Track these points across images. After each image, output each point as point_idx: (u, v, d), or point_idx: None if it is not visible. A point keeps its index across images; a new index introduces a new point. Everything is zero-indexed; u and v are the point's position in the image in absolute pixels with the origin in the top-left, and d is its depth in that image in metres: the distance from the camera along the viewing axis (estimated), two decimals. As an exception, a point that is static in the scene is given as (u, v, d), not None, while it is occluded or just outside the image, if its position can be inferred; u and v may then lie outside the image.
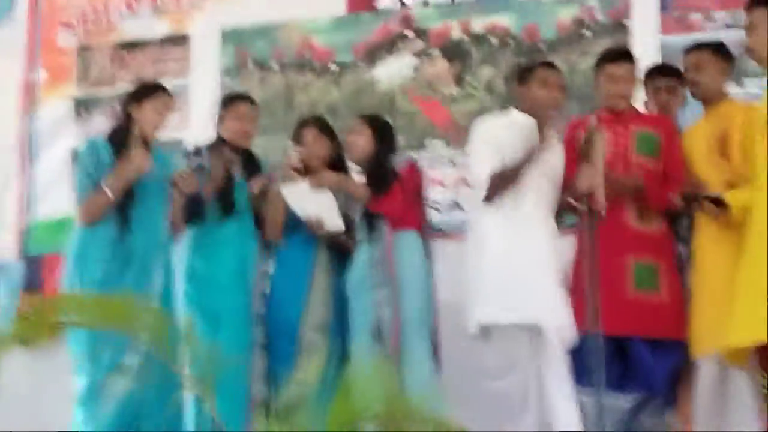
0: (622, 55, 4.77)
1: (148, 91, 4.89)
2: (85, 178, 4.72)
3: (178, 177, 4.73)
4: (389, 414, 2.92)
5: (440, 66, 6.32)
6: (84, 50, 7.11)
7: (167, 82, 5.19)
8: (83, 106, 7.00)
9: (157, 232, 4.77)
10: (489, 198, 4.57)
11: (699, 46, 4.66)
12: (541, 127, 4.52)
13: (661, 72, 4.97)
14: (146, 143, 4.80)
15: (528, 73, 4.73)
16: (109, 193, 4.61)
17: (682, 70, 4.72)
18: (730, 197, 4.28)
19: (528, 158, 4.50)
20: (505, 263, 4.50)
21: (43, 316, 3.06)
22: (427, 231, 5.04)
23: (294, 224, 5.01)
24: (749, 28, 4.15)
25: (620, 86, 4.66)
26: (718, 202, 4.29)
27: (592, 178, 4.40)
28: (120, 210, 4.67)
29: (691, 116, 4.82)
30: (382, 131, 5.06)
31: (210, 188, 4.90)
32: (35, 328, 3.00)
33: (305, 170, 4.98)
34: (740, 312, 4.01)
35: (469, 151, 4.82)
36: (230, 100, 5.18)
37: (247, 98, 5.26)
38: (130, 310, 3.10)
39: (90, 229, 4.69)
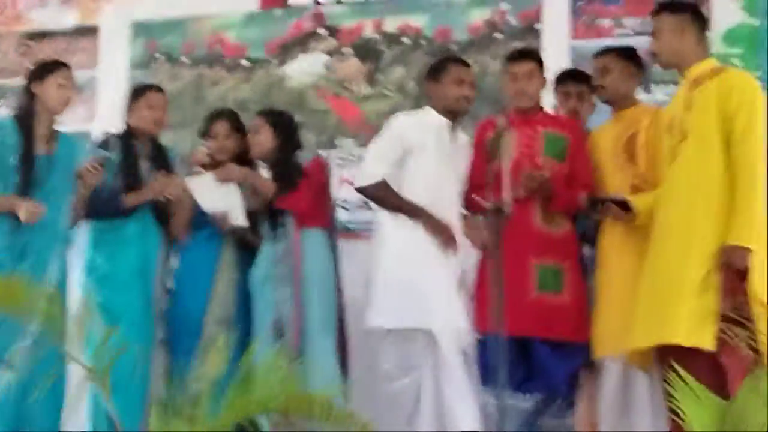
0: (523, 54, 4.81)
1: (49, 67, 4.85)
2: None
3: (84, 170, 4.64)
4: (287, 406, 2.91)
5: (352, 64, 6.31)
6: (-11, 39, 6.97)
7: (75, 74, 5.10)
8: (-13, 95, 6.87)
9: (56, 223, 4.67)
10: (366, 193, 4.72)
11: (607, 50, 4.71)
12: (453, 125, 4.57)
13: (571, 77, 5.02)
14: (51, 121, 4.77)
15: (440, 69, 4.76)
16: None
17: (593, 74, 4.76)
18: (635, 201, 4.33)
19: (416, 213, 4.58)
20: (402, 265, 4.55)
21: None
22: (333, 228, 5.02)
23: (199, 220, 4.96)
24: (655, 33, 4.20)
25: (521, 84, 4.68)
26: (624, 205, 4.33)
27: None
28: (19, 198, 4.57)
29: (598, 121, 4.87)
30: (282, 126, 5.00)
31: (119, 180, 4.82)
32: None
33: (212, 164, 4.92)
34: (642, 314, 4.05)
35: (374, 140, 4.83)
36: (140, 90, 5.12)
37: (156, 87, 5.20)
38: (23, 291, 3.04)
39: None
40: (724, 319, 3.80)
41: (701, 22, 4.23)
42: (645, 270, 4.13)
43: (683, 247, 3.96)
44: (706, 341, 3.82)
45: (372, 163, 4.73)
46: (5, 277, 3.28)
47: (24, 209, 4.52)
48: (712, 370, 3.75)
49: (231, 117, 5.17)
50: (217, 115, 5.19)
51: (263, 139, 4.95)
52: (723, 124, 3.98)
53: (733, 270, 3.86)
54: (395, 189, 4.64)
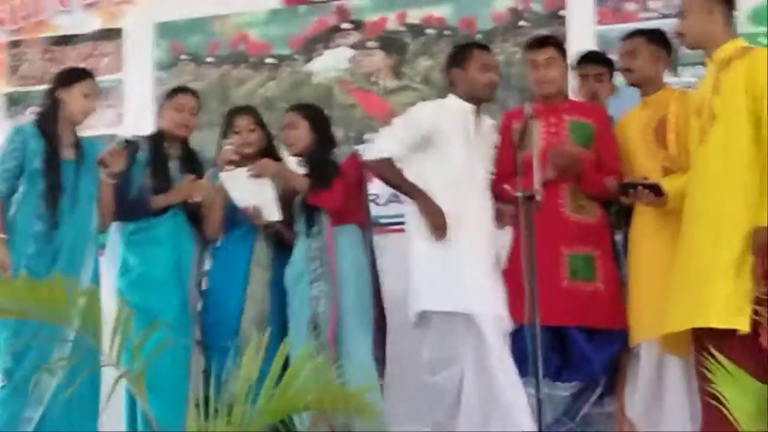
0: (542, 41, 4.78)
1: (76, 75, 4.87)
2: (1, 165, 4.66)
3: (106, 155, 4.65)
4: (322, 402, 2.90)
5: (377, 58, 6.30)
6: (14, 46, 7.01)
7: (101, 78, 5.14)
8: (14, 103, 6.90)
9: (87, 226, 4.70)
10: (368, 167, 4.73)
11: (633, 33, 4.69)
12: (478, 111, 4.57)
13: (589, 59, 5.07)
14: (74, 128, 4.79)
15: (465, 56, 4.74)
16: None
17: (618, 58, 4.73)
18: (666, 184, 4.30)
19: (409, 194, 4.60)
20: (439, 252, 4.51)
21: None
22: (368, 224, 5.02)
23: (230, 219, 4.97)
24: (682, 13, 4.17)
25: (542, 71, 4.66)
26: (655, 189, 4.30)
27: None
28: (48, 204, 4.60)
29: (621, 105, 4.84)
30: (318, 121, 5.01)
31: (148, 181, 4.84)
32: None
33: (240, 160, 4.92)
34: (676, 298, 4.02)
35: (392, 122, 4.84)
36: (172, 93, 5.15)
37: (188, 90, 5.23)
38: (61, 292, 3.04)
39: (11, 220, 4.63)
40: (758, 302, 3.77)
41: (728, 1, 4.19)
42: (677, 254, 4.10)
43: (715, 230, 3.93)
44: (742, 323, 3.78)
45: (382, 140, 4.74)
46: (44, 280, 3.27)
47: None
48: (750, 353, 3.72)
49: (251, 112, 5.17)
50: (237, 111, 5.20)
51: (301, 134, 4.95)
52: (752, 104, 3.94)
53: (765, 251, 3.81)
54: (419, 176, 4.62)
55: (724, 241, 3.89)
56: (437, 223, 4.54)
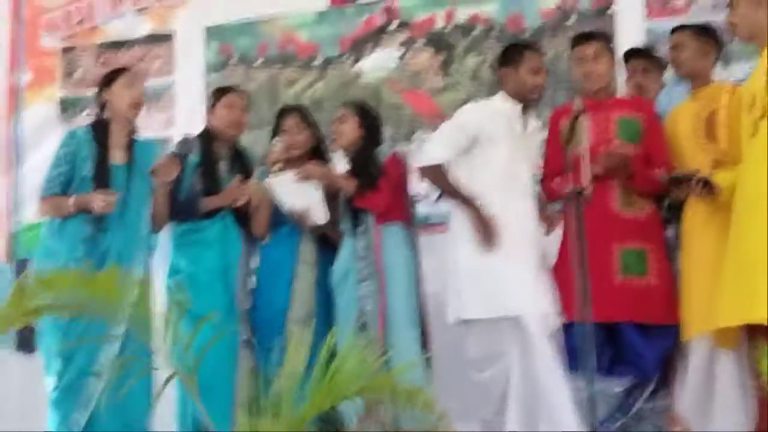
0: (587, 36, 4.77)
1: (114, 73, 4.90)
2: (54, 169, 4.70)
3: (157, 165, 4.69)
4: (369, 390, 2.90)
5: (425, 57, 6.30)
6: (68, 51, 7.10)
7: (152, 81, 5.17)
8: (69, 108, 6.99)
9: (137, 228, 4.72)
10: (422, 175, 4.72)
11: (680, 27, 4.67)
12: (525, 111, 4.57)
13: (635, 54, 5.07)
14: (128, 130, 4.82)
15: (517, 57, 4.74)
16: (71, 208, 4.60)
17: (668, 52, 4.70)
18: (719, 178, 4.26)
19: (464, 203, 4.58)
20: (482, 256, 4.51)
21: (21, 299, 3.02)
22: (412, 223, 5.03)
23: (276, 218, 4.99)
24: (732, 4, 4.12)
25: (589, 66, 4.65)
26: (708, 184, 4.26)
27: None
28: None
29: (672, 100, 4.80)
30: (368, 119, 5.05)
31: (197, 182, 4.88)
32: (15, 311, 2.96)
33: (289, 160, 4.94)
34: (728, 292, 3.98)
35: (440, 127, 4.83)
36: (220, 92, 5.17)
37: (235, 89, 5.26)
38: (113, 284, 3.05)
39: (58, 223, 4.67)
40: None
41: (777, -6, 4.15)
42: (729, 247, 4.05)
43: (766, 223, 3.88)
44: (795, 317, 3.74)
45: (433, 146, 4.74)
46: (96, 273, 3.30)
47: (97, 200, 4.56)
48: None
49: (298, 111, 5.20)
50: (287, 110, 5.22)
51: (349, 129, 4.99)
52: (804, 97, 3.89)
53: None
54: (464, 177, 4.62)
55: (774, 235, 3.85)
56: (489, 234, 4.53)
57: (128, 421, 4.51)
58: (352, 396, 3.15)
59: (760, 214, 3.90)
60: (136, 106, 4.83)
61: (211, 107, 5.11)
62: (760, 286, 3.81)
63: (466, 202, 4.59)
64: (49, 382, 4.55)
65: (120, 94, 4.79)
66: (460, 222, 4.63)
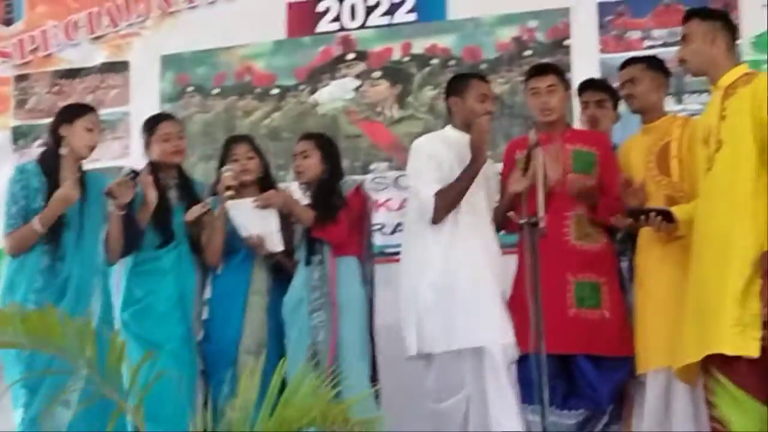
0: (542, 68, 4.80)
1: (77, 110, 4.83)
2: (12, 206, 4.63)
3: (114, 186, 4.64)
4: (322, 420, 2.88)
5: (382, 88, 6.30)
6: (22, 80, 7.02)
7: (107, 111, 5.11)
8: (21, 136, 6.91)
9: (93, 258, 4.67)
10: (437, 218, 4.59)
11: (633, 60, 4.71)
12: (474, 142, 4.56)
13: (590, 86, 5.08)
14: (78, 164, 4.75)
15: (463, 86, 4.76)
16: (38, 228, 4.54)
17: (619, 85, 4.74)
18: (676, 211, 4.27)
19: (471, 175, 4.53)
20: (445, 284, 4.51)
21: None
22: (367, 257, 5.00)
23: (229, 247, 4.97)
24: (684, 39, 4.15)
25: (543, 98, 4.66)
26: (667, 216, 4.27)
27: (521, 183, 4.40)
28: (51, 238, 4.57)
29: (625, 134, 4.84)
30: (330, 152, 5.04)
31: (145, 215, 4.83)
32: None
33: (239, 188, 4.92)
34: (689, 329, 3.99)
35: (410, 172, 4.81)
36: (153, 123, 5.09)
37: (168, 116, 5.24)
38: (60, 324, 3.02)
39: (19, 258, 4.61)
40: (766, 326, 3.74)
41: (731, 29, 4.19)
42: (689, 285, 4.06)
43: (723, 257, 3.89)
44: (751, 349, 3.75)
45: (421, 190, 4.66)
46: (35, 310, 3.26)
47: (65, 188, 4.52)
48: (759, 376, 3.71)
49: (248, 140, 5.19)
50: (235, 139, 5.22)
51: (313, 164, 4.96)
52: (758, 130, 3.92)
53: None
54: None
55: (732, 269, 3.85)
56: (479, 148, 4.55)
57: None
58: (303, 427, 3.12)
59: (717, 248, 3.92)
60: (92, 149, 4.78)
61: (147, 140, 5.04)
62: (717, 319, 3.82)
63: (466, 173, 4.57)
64: (17, 415, 4.49)
65: (80, 135, 4.71)
66: (420, 249, 4.61)
